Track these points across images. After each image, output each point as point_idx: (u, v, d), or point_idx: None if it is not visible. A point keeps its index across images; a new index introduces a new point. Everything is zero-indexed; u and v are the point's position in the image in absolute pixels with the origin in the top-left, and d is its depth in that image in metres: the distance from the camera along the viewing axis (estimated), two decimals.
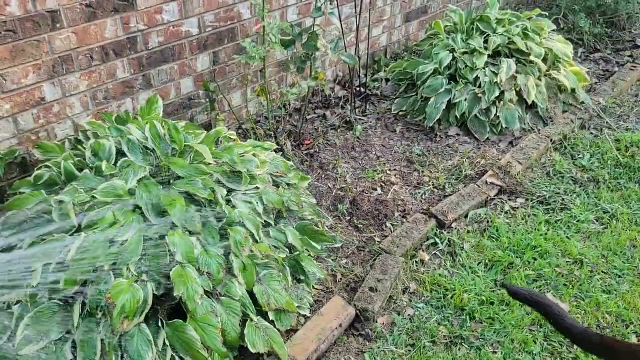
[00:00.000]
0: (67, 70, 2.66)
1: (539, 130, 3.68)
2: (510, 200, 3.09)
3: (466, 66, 3.71)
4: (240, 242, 2.11)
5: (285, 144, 3.35)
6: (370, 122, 3.85)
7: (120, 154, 2.34)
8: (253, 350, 2.04)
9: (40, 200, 2.19)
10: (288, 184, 2.66)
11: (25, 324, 1.92)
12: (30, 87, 2.57)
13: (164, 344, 1.96)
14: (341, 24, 3.62)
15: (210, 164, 2.34)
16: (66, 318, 1.95)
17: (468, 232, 2.85)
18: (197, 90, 3.29)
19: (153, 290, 2.00)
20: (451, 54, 3.78)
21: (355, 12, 3.56)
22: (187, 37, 3.10)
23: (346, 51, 3.64)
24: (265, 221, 2.41)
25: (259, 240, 2.22)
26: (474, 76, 3.66)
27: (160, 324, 1.99)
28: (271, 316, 2.14)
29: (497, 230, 2.85)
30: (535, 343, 2.28)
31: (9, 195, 2.47)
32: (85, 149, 2.40)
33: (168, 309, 2.06)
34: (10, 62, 2.46)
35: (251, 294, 2.13)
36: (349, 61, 3.09)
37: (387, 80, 4.31)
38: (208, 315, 1.98)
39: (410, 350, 2.23)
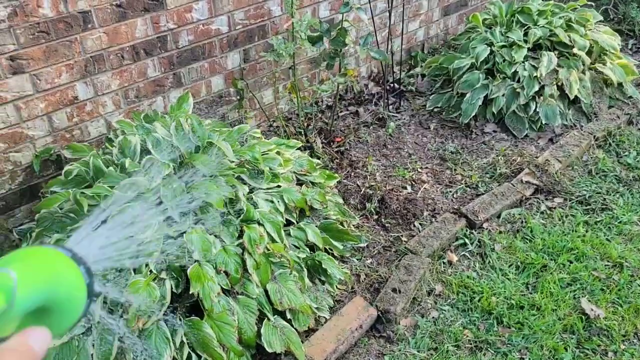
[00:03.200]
0: (98, 70, 2.72)
1: (582, 126, 3.51)
2: (547, 199, 2.96)
3: (504, 60, 3.58)
4: (254, 240, 2.10)
5: (315, 141, 3.32)
6: (404, 119, 3.77)
7: (146, 151, 2.37)
8: (269, 350, 2.02)
9: (67, 199, 2.24)
10: (313, 183, 2.63)
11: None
12: (64, 86, 2.64)
13: (182, 342, 1.97)
14: (373, 20, 3.56)
15: (232, 161, 2.35)
16: (88, 314, 2.00)
17: (500, 232, 2.75)
18: (227, 88, 3.30)
19: (172, 288, 2.01)
20: (489, 48, 3.66)
21: (389, 7, 3.49)
22: (217, 35, 3.11)
23: (378, 47, 3.57)
24: (286, 219, 2.40)
25: (276, 239, 2.20)
26: (512, 70, 3.53)
27: (178, 322, 2.00)
28: (288, 315, 2.12)
29: (531, 231, 2.73)
30: (567, 350, 2.17)
31: (44, 193, 2.55)
32: (112, 146, 2.44)
33: (187, 306, 2.07)
34: (44, 62, 2.54)
35: (267, 293, 2.12)
36: (378, 57, 3.03)
37: (423, 76, 4.22)
38: (224, 314, 1.98)
39: (432, 354, 2.16)
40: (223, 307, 2.01)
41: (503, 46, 3.65)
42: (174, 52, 2.97)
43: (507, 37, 3.68)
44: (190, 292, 1.96)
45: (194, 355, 1.97)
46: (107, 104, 2.83)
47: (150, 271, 2.00)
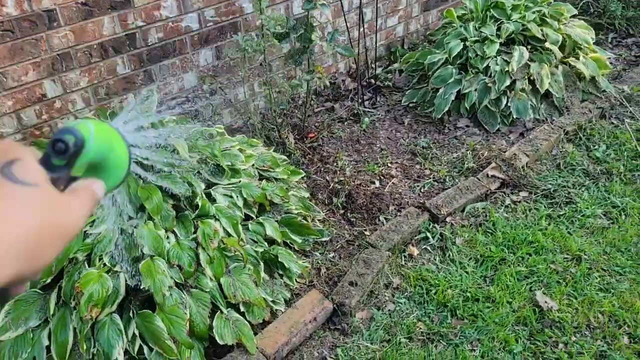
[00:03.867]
0: (66, 67, 2.76)
1: (553, 120, 3.52)
2: (512, 193, 2.98)
3: (477, 55, 3.60)
4: (208, 234, 2.14)
5: (287, 137, 3.35)
6: (379, 114, 3.80)
7: None
8: (221, 342, 2.06)
9: None
10: (276, 179, 2.66)
11: (6, 311, 2.02)
12: (31, 84, 2.68)
13: (134, 334, 2.01)
14: (344, 16, 3.58)
15: (192, 156, 2.38)
16: (44, 306, 2.04)
17: (462, 226, 2.77)
18: (200, 85, 3.34)
19: (126, 281, 2.06)
20: (462, 43, 3.67)
21: (359, 3, 3.51)
22: (188, 32, 3.14)
23: (351, 44, 3.59)
24: (246, 214, 2.44)
25: (232, 234, 2.24)
26: (485, 65, 3.55)
27: (131, 314, 2.05)
28: (242, 308, 2.16)
29: (494, 225, 2.76)
30: (517, 342, 2.20)
31: None
32: None
33: (142, 299, 2.11)
34: (10, 60, 2.58)
35: (221, 287, 2.16)
36: (345, 53, 3.06)
37: (401, 72, 4.24)
38: (176, 307, 2.02)
39: (384, 346, 2.20)
40: (175, 300, 2.05)
41: (476, 41, 3.66)
42: (144, 49, 3.01)
43: (481, 32, 3.69)
44: (142, 287, 2.00)
45: (145, 347, 2.01)
46: (77, 101, 2.87)
47: (104, 264, 2.04)
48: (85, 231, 2.06)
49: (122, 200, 2.20)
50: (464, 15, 3.97)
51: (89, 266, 2.04)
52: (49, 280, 2.03)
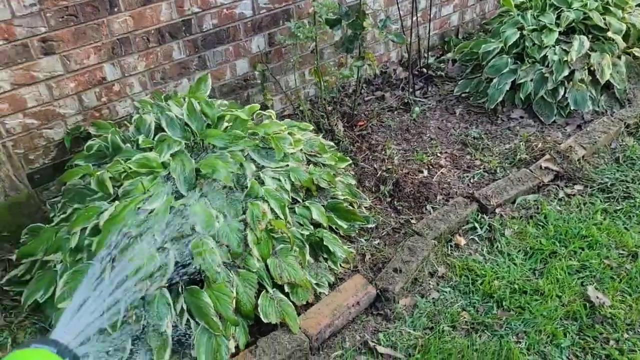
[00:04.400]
0: (125, 52, 2.86)
1: (613, 112, 3.39)
2: (566, 186, 2.89)
3: (534, 44, 3.50)
4: (257, 216, 2.18)
5: (336, 125, 3.36)
6: (430, 104, 3.75)
7: (161, 129, 2.49)
8: (265, 320, 2.10)
9: (86, 173, 2.39)
10: (323, 164, 2.68)
11: (65, 280, 2.12)
12: (92, 67, 2.79)
13: (182, 309, 2.08)
14: (397, 4, 3.55)
15: (244, 135, 2.43)
16: (100, 279, 2.13)
17: (512, 218, 2.71)
18: (252, 71, 3.39)
19: (175, 258, 2.12)
20: (519, 32, 3.58)
21: None
22: (241, 19, 3.19)
23: (404, 32, 3.56)
24: (293, 198, 2.47)
25: (279, 216, 2.27)
26: (542, 55, 3.44)
27: (179, 290, 2.11)
28: (286, 289, 2.19)
29: (545, 218, 2.69)
30: (566, 336, 2.15)
31: (69, 167, 2.72)
32: (131, 124, 2.58)
33: (189, 275, 2.17)
34: (73, 43, 2.69)
35: (268, 267, 2.20)
36: (397, 40, 3.03)
37: (454, 61, 4.17)
38: (223, 285, 2.07)
39: (427, 333, 2.19)
40: (223, 279, 2.10)
41: (534, 30, 3.56)
42: (199, 35, 3.07)
43: (539, 20, 3.59)
44: (192, 265, 2.06)
45: (192, 321, 2.07)
46: (134, 85, 2.97)
47: (155, 240, 2.12)
48: (138, 207, 2.14)
49: (176, 179, 2.26)
50: (522, 4, 3.86)
51: (140, 242, 2.11)
52: (103, 253, 2.12)
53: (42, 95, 2.68)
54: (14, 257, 2.39)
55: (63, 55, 2.66)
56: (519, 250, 2.54)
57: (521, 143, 3.19)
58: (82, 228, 2.16)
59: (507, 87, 3.49)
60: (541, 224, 2.67)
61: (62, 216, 2.35)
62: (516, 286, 2.34)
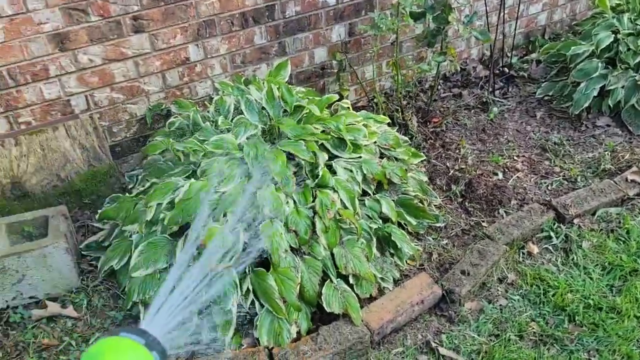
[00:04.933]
0: (210, 34, 2.92)
1: None
2: None
3: (628, 49, 3.30)
4: (326, 204, 2.17)
5: (410, 119, 3.31)
6: (509, 105, 3.62)
7: (239, 111, 2.53)
8: (328, 309, 2.11)
9: (166, 147, 2.47)
10: (396, 158, 2.65)
11: (140, 251, 2.20)
12: (178, 47, 2.87)
13: (247, 289, 2.11)
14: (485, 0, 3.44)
15: (316, 127, 2.43)
16: (171, 251, 2.20)
17: (591, 230, 2.58)
18: (329, 60, 3.38)
19: (245, 239, 2.16)
20: (613, 35, 3.39)
21: None
22: (324, 7, 3.19)
23: (489, 28, 3.45)
24: (363, 190, 2.45)
25: (348, 207, 2.26)
26: (637, 60, 3.25)
27: (246, 271, 2.15)
28: (351, 280, 2.18)
29: (627, 233, 2.54)
30: None
31: (150, 142, 2.82)
32: (211, 105, 2.64)
33: (257, 258, 2.20)
34: (162, 23, 2.77)
35: (333, 257, 2.19)
36: (481, 37, 2.94)
37: (539, 62, 4.00)
38: (288, 269, 2.09)
39: (492, 340, 2.12)
40: (289, 263, 2.12)
41: (630, 34, 3.36)
42: (281, 21, 3.10)
43: (636, 24, 3.38)
44: (260, 247, 2.09)
45: (257, 303, 2.10)
46: (215, 67, 3.03)
47: (227, 221, 2.16)
48: (213, 187, 2.19)
49: (249, 162, 2.30)
50: (618, 6, 3.66)
51: (213, 221, 2.16)
52: (176, 229, 2.18)
53: (129, 72, 2.78)
54: (94, 224, 2.51)
55: (151, 34, 2.75)
56: (597, 265, 2.41)
57: (606, 152, 3.03)
58: (158, 202, 2.23)
59: (595, 93, 3.32)
60: (622, 239, 2.53)
61: (140, 189, 2.44)
62: (591, 301, 2.23)
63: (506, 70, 3.85)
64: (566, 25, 4.36)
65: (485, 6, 3.46)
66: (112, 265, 2.28)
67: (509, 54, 3.90)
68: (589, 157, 3.06)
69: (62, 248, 2.24)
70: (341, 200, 2.27)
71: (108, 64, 2.70)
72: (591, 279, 2.34)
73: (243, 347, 2.07)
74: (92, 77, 2.68)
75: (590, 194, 2.71)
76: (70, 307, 2.24)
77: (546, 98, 3.63)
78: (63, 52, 2.55)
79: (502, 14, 3.48)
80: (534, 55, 4.05)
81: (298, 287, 2.08)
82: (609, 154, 3.01)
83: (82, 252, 2.47)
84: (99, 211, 2.47)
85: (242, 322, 2.16)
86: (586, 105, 3.33)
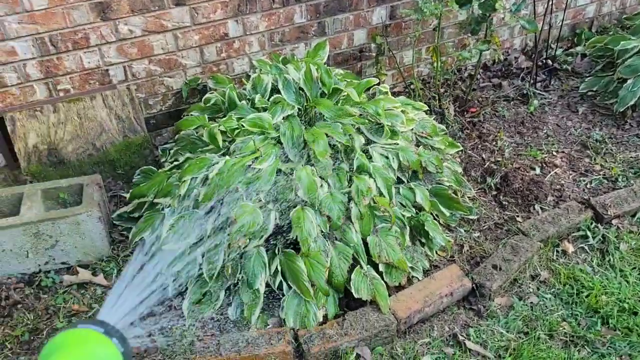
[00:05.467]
0: (250, 10, 2.89)
1: None
2: None
3: None
4: (362, 191, 2.14)
5: (447, 108, 3.25)
6: (550, 99, 3.52)
7: (276, 90, 2.50)
8: (356, 295, 2.09)
9: (201, 124, 2.46)
10: (432, 147, 2.60)
11: (171, 224, 2.21)
12: (217, 22, 2.85)
13: (276, 269, 2.11)
14: None
15: (354, 112, 2.39)
16: (203, 227, 2.20)
17: (630, 232, 2.51)
18: (368, 43, 3.33)
19: (276, 219, 2.14)
20: None
21: None
22: None
23: (534, 18, 3.34)
24: (398, 177, 2.41)
25: (384, 194, 2.23)
26: None
27: (276, 251, 2.14)
28: (381, 268, 2.16)
29: None
30: None
31: (185, 117, 2.82)
32: (248, 82, 2.61)
33: (287, 239, 2.19)
34: None
35: (365, 244, 2.17)
36: (528, 27, 2.85)
37: (584, 56, 3.88)
38: (319, 253, 2.07)
39: (521, 337, 2.08)
40: (319, 247, 2.10)
41: None
42: (322, 0, 3.04)
43: None
44: (290, 229, 2.07)
45: (284, 284, 2.10)
46: (253, 44, 3.01)
47: (260, 199, 2.15)
48: (249, 165, 2.17)
49: (285, 142, 2.27)
50: None
51: (245, 199, 2.15)
52: (210, 204, 2.18)
53: (168, 44, 2.77)
54: (126, 195, 2.52)
55: (192, 7, 2.73)
56: (634, 268, 2.34)
57: None
58: (192, 177, 2.23)
59: None
60: None
61: (174, 163, 2.44)
62: (626, 305, 2.17)
63: (549, 62, 3.74)
64: (615, 19, 4.21)
65: None
66: (143, 237, 2.29)
67: (554, 46, 3.78)
68: (631, 157, 2.96)
69: (95, 217, 2.26)
70: (377, 187, 2.24)
71: (148, 36, 2.69)
72: (627, 282, 2.28)
73: (269, 327, 2.07)
74: (131, 48, 2.68)
75: (631, 195, 2.63)
76: (100, 275, 2.27)
77: (590, 93, 3.52)
78: (104, 22, 2.55)
79: (549, 4, 3.37)
80: (579, 49, 3.93)
81: (327, 272, 2.07)
82: None
83: (114, 222, 2.50)
84: (130, 190, 2.48)
85: (269, 302, 2.16)
86: (632, 103, 3.22)
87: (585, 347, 2.05)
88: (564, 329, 2.11)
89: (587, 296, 2.22)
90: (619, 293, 2.22)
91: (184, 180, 2.24)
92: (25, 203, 2.29)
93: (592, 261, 2.39)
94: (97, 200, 2.32)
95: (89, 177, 2.49)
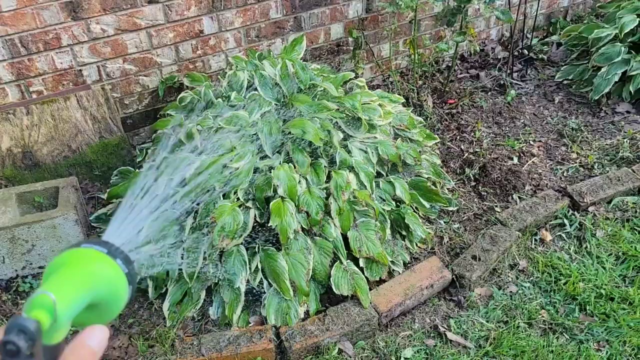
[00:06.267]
0: (224, 6, 2.86)
1: None
2: None
3: None
4: (340, 185, 2.14)
5: (426, 100, 3.26)
6: (527, 88, 3.55)
7: (253, 87, 2.48)
8: (336, 291, 2.09)
9: (177, 123, 2.44)
10: (410, 139, 2.60)
11: (149, 226, 2.18)
12: (192, 19, 2.82)
13: (257, 267, 2.10)
14: None
15: (332, 107, 2.39)
16: (181, 228, 2.19)
17: (606, 219, 2.54)
18: (346, 37, 3.32)
19: (256, 217, 2.14)
20: (638, 19, 3.29)
21: None
22: None
23: (509, 8, 3.36)
24: (377, 171, 2.42)
25: (367, 189, 2.23)
26: None
27: (256, 249, 2.14)
28: (361, 263, 2.17)
29: None
30: None
31: (161, 116, 2.79)
32: (224, 79, 2.59)
33: (267, 237, 2.19)
34: None
35: (345, 239, 2.17)
36: (502, 17, 2.86)
37: (560, 45, 3.91)
38: (301, 253, 2.07)
39: (500, 326, 2.10)
40: (301, 245, 2.10)
41: None
42: None
43: None
44: (270, 224, 2.07)
45: (265, 282, 2.09)
46: (229, 41, 2.98)
47: (238, 198, 2.14)
48: (224, 165, 2.16)
49: (262, 139, 2.24)
50: None
51: (223, 198, 2.14)
52: (187, 206, 2.16)
53: (142, 43, 2.74)
54: (104, 196, 2.50)
55: (165, 5, 2.70)
56: (610, 254, 2.38)
57: (625, 140, 2.96)
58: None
59: (616, 78, 3.24)
60: (638, 228, 2.49)
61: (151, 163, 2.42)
62: (603, 291, 2.21)
63: (525, 52, 3.77)
64: (589, 7, 4.25)
65: None
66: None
67: (529, 36, 3.81)
68: (607, 144, 3.00)
69: (72, 219, 2.23)
70: (360, 181, 2.24)
71: (121, 35, 2.66)
72: (604, 268, 2.31)
73: (250, 325, 2.07)
74: (104, 48, 2.64)
75: (606, 182, 2.66)
76: None
77: (565, 82, 3.55)
78: (75, 21, 2.51)
79: None
80: (554, 38, 3.96)
81: (309, 272, 2.07)
82: (628, 141, 2.95)
83: (92, 224, 2.47)
84: (108, 190, 2.45)
85: (250, 300, 2.15)
86: (606, 90, 3.25)
87: (564, 333, 2.08)
88: (543, 316, 2.14)
89: (565, 283, 2.25)
90: (596, 279, 2.26)
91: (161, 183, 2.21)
92: None
93: (570, 249, 2.42)
94: (73, 202, 2.29)
95: (64, 179, 2.46)
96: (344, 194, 2.14)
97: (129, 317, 2.13)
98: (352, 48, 3.33)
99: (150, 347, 1.98)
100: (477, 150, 2.96)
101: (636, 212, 2.57)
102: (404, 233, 2.36)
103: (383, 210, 2.31)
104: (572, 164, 2.88)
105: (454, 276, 2.24)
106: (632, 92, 3.23)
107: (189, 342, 1.98)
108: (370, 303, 2.10)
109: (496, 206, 2.63)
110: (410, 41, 3.23)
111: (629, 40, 3.30)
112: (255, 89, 2.45)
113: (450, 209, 2.60)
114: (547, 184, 2.75)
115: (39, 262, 2.26)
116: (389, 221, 2.29)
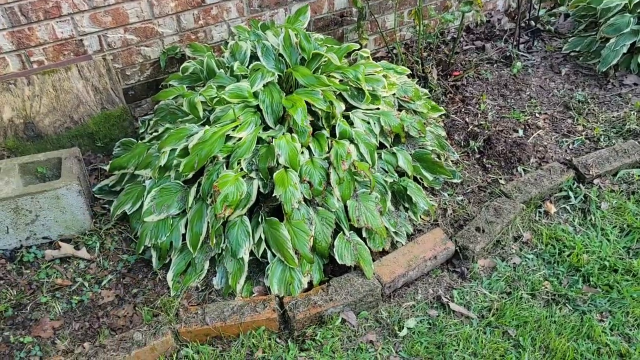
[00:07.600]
0: None
1: None
2: None
3: None
4: (341, 155, 2.13)
5: (430, 72, 3.22)
6: (534, 60, 3.50)
7: (256, 57, 2.45)
8: (339, 262, 2.09)
9: (179, 94, 2.41)
10: (415, 111, 2.58)
11: (152, 196, 2.19)
12: None
13: (260, 238, 2.10)
14: None
15: (334, 76, 2.36)
16: (184, 198, 2.19)
17: (611, 191, 2.53)
18: (349, 7, 3.27)
19: (259, 188, 2.13)
20: None
21: None
22: None
23: None
24: (380, 142, 2.40)
25: (367, 160, 2.21)
26: None
27: (259, 220, 2.13)
28: (364, 234, 2.16)
29: None
30: None
31: (163, 87, 2.77)
32: (226, 49, 2.56)
33: (270, 208, 2.18)
34: None
35: (346, 210, 2.16)
36: None
37: (567, 16, 3.85)
38: (302, 221, 2.07)
39: (503, 297, 2.11)
40: (303, 215, 2.09)
41: None
42: None
43: None
44: (274, 195, 2.06)
45: (269, 252, 2.09)
46: (232, 10, 2.94)
47: (241, 169, 2.12)
48: (227, 134, 2.14)
49: (264, 110, 2.23)
50: None
51: (227, 168, 2.13)
52: (190, 175, 2.16)
53: (144, 12, 2.70)
54: (106, 168, 2.49)
55: None
56: (615, 226, 2.37)
57: (632, 112, 2.93)
58: (172, 148, 2.20)
59: (625, 50, 3.19)
60: None
61: (154, 134, 2.40)
62: (606, 263, 2.20)
63: (532, 23, 3.71)
64: None
65: None
66: (124, 210, 2.27)
67: (537, 6, 3.74)
68: (613, 117, 2.97)
69: (75, 190, 2.23)
70: (360, 152, 2.23)
71: (122, 3, 2.62)
72: (608, 240, 2.31)
73: (254, 295, 2.08)
74: (105, 17, 2.61)
75: (612, 155, 2.64)
76: (83, 249, 2.25)
77: (572, 54, 3.50)
78: None
79: None
80: (562, 9, 3.89)
81: (312, 239, 2.06)
82: (635, 113, 2.92)
83: (95, 195, 2.47)
84: (110, 162, 2.44)
85: (253, 271, 2.16)
86: (614, 62, 3.21)
87: (567, 304, 2.08)
88: (546, 288, 2.14)
89: (568, 255, 2.25)
90: (600, 251, 2.25)
91: (164, 151, 2.21)
92: (2, 178, 2.25)
93: (574, 221, 2.41)
94: (76, 173, 2.28)
95: (67, 150, 2.45)
96: (344, 163, 2.12)
97: (133, 287, 2.14)
98: (356, 19, 3.27)
99: (155, 315, 1.99)
100: (481, 122, 2.93)
101: None
102: (407, 205, 2.35)
103: (384, 182, 2.29)
104: (578, 136, 2.85)
105: (457, 248, 2.24)
106: None
107: (193, 311, 1.99)
108: (374, 274, 2.10)
109: (500, 179, 2.62)
110: (415, 12, 3.17)
111: (638, 10, 3.23)
112: (258, 59, 2.42)
113: (455, 181, 2.58)
114: (552, 156, 2.73)
115: (43, 232, 2.26)
116: (389, 193, 2.27)
